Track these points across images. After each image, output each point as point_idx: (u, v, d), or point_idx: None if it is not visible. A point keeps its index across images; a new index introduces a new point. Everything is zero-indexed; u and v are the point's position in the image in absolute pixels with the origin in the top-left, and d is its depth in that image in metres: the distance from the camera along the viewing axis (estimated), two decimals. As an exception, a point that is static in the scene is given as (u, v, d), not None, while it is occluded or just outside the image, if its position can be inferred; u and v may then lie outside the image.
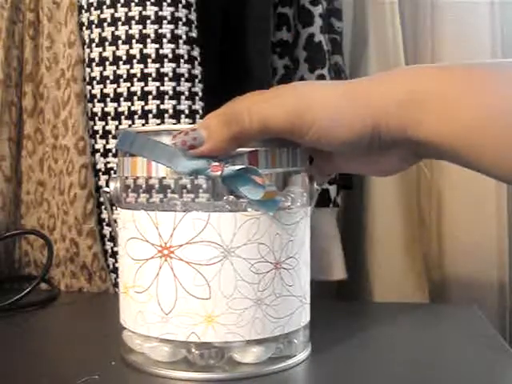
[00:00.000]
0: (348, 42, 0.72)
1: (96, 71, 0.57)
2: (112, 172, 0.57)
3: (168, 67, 0.55)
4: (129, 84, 0.56)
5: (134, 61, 0.55)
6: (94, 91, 0.57)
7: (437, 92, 0.30)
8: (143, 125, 0.55)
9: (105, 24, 0.56)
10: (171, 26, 0.55)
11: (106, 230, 0.58)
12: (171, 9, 0.55)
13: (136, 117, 0.55)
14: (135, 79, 0.55)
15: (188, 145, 0.33)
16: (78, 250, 0.58)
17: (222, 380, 0.35)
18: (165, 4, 0.54)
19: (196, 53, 0.56)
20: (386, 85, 0.32)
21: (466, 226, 0.68)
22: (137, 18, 0.55)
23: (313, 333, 0.41)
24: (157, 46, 0.55)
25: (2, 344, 0.43)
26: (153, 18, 0.54)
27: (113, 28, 0.56)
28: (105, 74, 0.57)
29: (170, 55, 0.55)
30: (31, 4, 0.61)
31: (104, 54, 0.56)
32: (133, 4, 0.55)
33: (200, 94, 0.56)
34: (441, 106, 0.30)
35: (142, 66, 0.55)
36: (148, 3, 0.54)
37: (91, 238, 0.57)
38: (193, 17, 0.56)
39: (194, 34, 0.56)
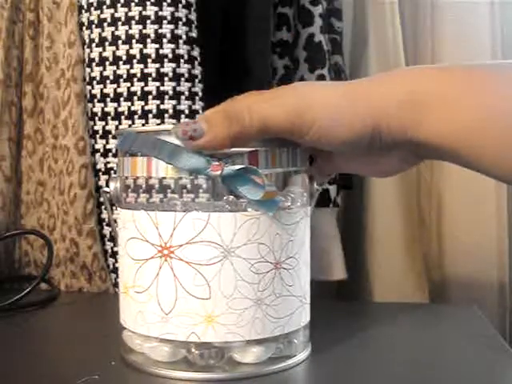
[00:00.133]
0: (348, 42, 0.72)
1: (96, 71, 0.57)
2: (112, 172, 0.57)
3: (168, 67, 0.55)
4: (129, 84, 0.56)
5: (134, 61, 0.55)
6: (94, 91, 0.57)
7: (437, 93, 0.30)
8: (143, 125, 0.55)
9: (105, 24, 0.56)
10: (171, 26, 0.55)
11: (106, 230, 0.58)
12: (171, 9, 0.55)
13: (136, 117, 0.55)
14: (135, 79, 0.55)
15: (188, 135, 0.33)
16: (78, 250, 0.58)
17: (221, 380, 0.35)
18: (165, 4, 0.54)
19: (196, 53, 0.56)
20: (386, 86, 0.32)
21: (465, 226, 0.68)
22: (137, 17, 0.55)
23: (313, 333, 0.41)
24: (157, 45, 0.55)
25: (2, 344, 0.43)
26: (153, 17, 0.54)
27: (113, 28, 0.56)
28: (105, 74, 0.57)
29: (170, 55, 0.55)
30: (31, 4, 0.61)
31: (104, 54, 0.56)
32: (133, 4, 0.55)
33: (200, 93, 0.56)
34: (441, 107, 0.30)
35: (141, 65, 0.55)
36: (148, 3, 0.54)
37: (91, 238, 0.57)
38: (193, 17, 0.56)
39: (193, 34, 0.56)
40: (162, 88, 0.55)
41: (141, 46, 0.55)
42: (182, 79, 0.55)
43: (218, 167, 0.33)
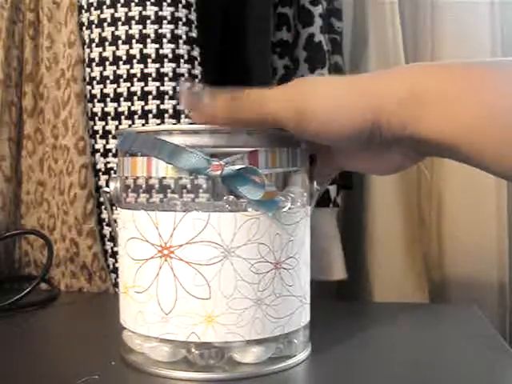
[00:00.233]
0: (348, 42, 0.72)
1: (96, 71, 0.57)
2: (112, 172, 0.57)
3: (168, 67, 0.55)
4: (129, 84, 0.56)
5: (134, 61, 0.55)
6: (94, 91, 0.57)
7: (437, 90, 0.31)
8: (143, 125, 0.55)
9: (105, 24, 0.56)
10: (171, 26, 0.55)
11: (106, 230, 0.58)
12: (171, 9, 0.55)
13: (136, 117, 0.56)
14: (135, 79, 0.55)
15: (192, 89, 0.34)
16: (78, 250, 0.58)
17: (221, 380, 0.35)
18: (165, 4, 0.54)
19: (196, 53, 0.56)
20: (387, 82, 0.32)
21: (465, 226, 0.68)
22: (137, 17, 0.55)
23: (313, 333, 0.41)
24: (157, 45, 0.55)
25: (2, 344, 0.43)
26: (153, 17, 0.54)
27: (113, 28, 0.56)
28: (105, 74, 0.57)
29: (170, 55, 0.55)
30: (31, 4, 0.61)
31: (104, 54, 0.56)
32: (133, 4, 0.55)
33: (200, 94, 0.56)
34: (441, 104, 0.30)
35: (141, 65, 0.55)
36: (148, 3, 0.54)
37: (91, 238, 0.57)
38: (193, 17, 0.56)
39: (193, 34, 0.56)
40: (162, 88, 0.55)
41: (141, 45, 0.55)
42: (182, 79, 0.55)
43: (218, 167, 0.33)
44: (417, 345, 0.43)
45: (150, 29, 0.55)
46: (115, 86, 0.56)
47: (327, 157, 0.39)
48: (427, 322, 0.50)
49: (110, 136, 0.57)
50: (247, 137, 0.35)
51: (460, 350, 0.42)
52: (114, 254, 0.57)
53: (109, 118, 0.57)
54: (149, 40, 0.55)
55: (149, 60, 0.55)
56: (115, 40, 0.56)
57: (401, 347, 0.43)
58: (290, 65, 0.64)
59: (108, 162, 0.57)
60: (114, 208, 0.47)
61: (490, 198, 0.68)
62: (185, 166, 0.34)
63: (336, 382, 0.36)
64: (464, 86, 0.30)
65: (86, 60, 0.57)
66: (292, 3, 0.64)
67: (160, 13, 0.54)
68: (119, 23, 0.55)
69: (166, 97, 0.55)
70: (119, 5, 0.55)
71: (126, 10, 0.55)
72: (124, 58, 0.55)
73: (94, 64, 0.57)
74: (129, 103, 0.56)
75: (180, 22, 0.55)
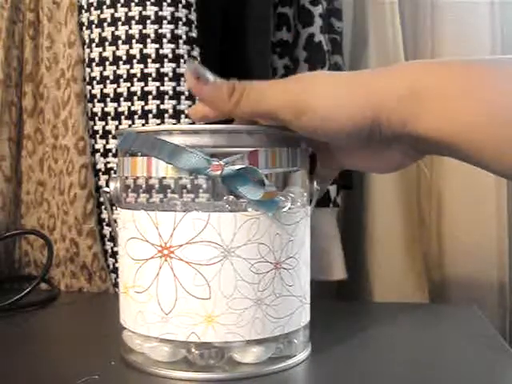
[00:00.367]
0: (348, 42, 0.72)
1: (96, 71, 0.57)
2: (112, 172, 0.57)
3: (168, 67, 0.55)
4: (129, 84, 0.56)
5: (134, 61, 0.55)
6: (94, 91, 0.57)
7: (436, 88, 0.31)
8: (143, 125, 0.55)
9: (105, 24, 0.56)
10: (171, 26, 0.55)
11: (106, 230, 0.58)
12: (171, 9, 0.55)
13: (136, 117, 0.56)
14: (135, 79, 0.55)
15: (197, 72, 0.35)
16: (78, 250, 0.58)
17: (221, 380, 0.35)
18: (165, 4, 0.54)
19: (196, 53, 0.56)
20: (386, 80, 0.32)
21: (465, 226, 0.68)
22: (137, 17, 0.55)
23: (313, 333, 0.41)
24: (157, 46, 0.55)
25: (2, 344, 0.43)
26: (153, 17, 0.54)
27: (113, 28, 0.56)
28: (105, 74, 0.57)
29: (170, 55, 0.55)
30: (31, 4, 0.61)
31: (104, 54, 0.56)
32: (133, 4, 0.55)
33: (200, 94, 0.56)
34: (440, 102, 0.30)
35: (141, 65, 0.55)
36: (148, 3, 0.54)
37: (91, 238, 0.57)
38: (193, 17, 0.56)
39: (193, 34, 0.56)
40: (162, 88, 0.55)
41: (141, 45, 0.55)
42: (182, 79, 0.55)
43: (217, 167, 0.33)
44: (417, 345, 0.43)
45: (150, 29, 0.55)
46: (115, 85, 0.56)
47: (327, 155, 0.39)
48: (427, 322, 0.50)
49: (110, 136, 0.57)
50: (247, 137, 0.35)
51: (460, 350, 0.42)
52: (114, 254, 0.57)
53: (109, 118, 0.57)
54: (149, 40, 0.55)
55: (149, 60, 0.55)
56: (115, 40, 0.56)
57: (401, 347, 0.43)
58: (290, 65, 0.64)
59: (108, 162, 0.57)
60: (114, 208, 0.47)
61: (490, 197, 0.68)
62: (185, 166, 0.34)
63: (336, 382, 0.36)
64: (463, 83, 0.30)
65: (86, 60, 0.57)
66: (292, 3, 0.64)
67: (160, 13, 0.54)
68: (119, 23, 0.55)
69: (166, 97, 0.55)
70: (119, 5, 0.55)
71: (125, 10, 0.55)
72: (124, 57, 0.55)
73: (94, 64, 0.57)
74: (129, 103, 0.56)
75: (180, 22, 0.55)
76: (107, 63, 0.56)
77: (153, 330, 0.36)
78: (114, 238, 0.57)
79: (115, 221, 0.42)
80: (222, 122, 0.38)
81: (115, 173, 0.57)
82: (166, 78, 0.55)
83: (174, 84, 0.55)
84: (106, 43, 0.56)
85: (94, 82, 0.57)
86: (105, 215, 0.58)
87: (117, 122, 0.56)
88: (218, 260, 0.34)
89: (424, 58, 0.70)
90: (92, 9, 0.57)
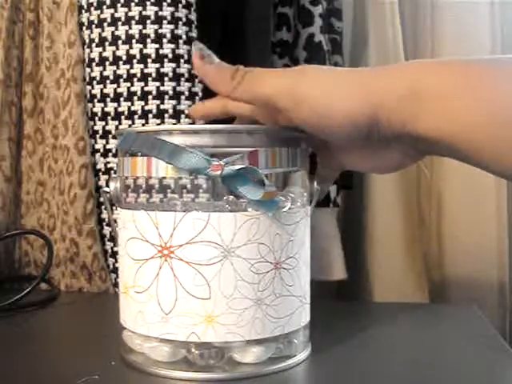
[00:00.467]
0: (348, 42, 0.72)
1: (96, 71, 0.57)
2: (112, 172, 0.57)
3: (168, 67, 0.55)
4: (129, 84, 0.56)
5: (134, 61, 0.55)
6: (94, 91, 0.57)
7: (436, 88, 0.31)
8: (143, 125, 0.55)
9: (105, 24, 0.56)
10: (171, 26, 0.55)
11: (106, 230, 0.58)
12: (171, 9, 0.55)
13: (136, 117, 0.56)
14: (135, 79, 0.55)
15: (202, 53, 0.36)
16: (78, 250, 0.58)
17: (221, 380, 0.35)
18: (165, 4, 0.54)
19: (196, 53, 0.56)
20: (386, 79, 0.32)
21: (465, 226, 0.68)
22: (137, 17, 0.55)
23: (313, 333, 0.41)
24: (157, 46, 0.55)
25: (1, 344, 0.43)
26: (153, 17, 0.54)
27: (113, 28, 0.56)
28: (105, 74, 0.57)
29: (170, 55, 0.55)
30: (31, 4, 0.61)
31: (104, 54, 0.56)
32: (133, 4, 0.55)
33: (200, 94, 0.56)
34: (440, 102, 0.30)
35: (141, 65, 0.55)
36: (148, 3, 0.54)
37: (91, 238, 0.57)
38: (193, 17, 0.56)
39: (193, 34, 0.56)
40: (162, 88, 0.55)
41: (141, 45, 0.55)
42: (182, 79, 0.55)
43: (217, 167, 0.33)
44: (417, 345, 0.43)
45: (150, 29, 0.55)
46: (115, 85, 0.56)
47: (327, 155, 0.39)
48: (427, 322, 0.50)
49: (110, 136, 0.57)
50: (247, 137, 0.35)
51: (460, 350, 0.42)
52: (114, 254, 0.57)
53: (109, 118, 0.57)
54: (149, 40, 0.55)
55: (149, 60, 0.55)
56: (115, 40, 0.56)
57: (401, 347, 0.43)
58: (290, 65, 0.64)
59: (108, 162, 0.57)
60: (114, 208, 0.47)
61: (490, 197, 0.68)
62: (185, 165, 0.34)
63: (336, 382, 0.36)
64: (463, 83, 0.30)
65: (86, 60, 0.57)
66: (292, 3, 0.64)
67: (160, 13, 0.54)
68: (119, 23, 0.55)
69: (166, 97, 0.55)
70: (119, 5, 0.55)
71: (125, 10, 0.55)
72: (124, 58, 0.55)
73: (94, 64, 0.57)
74: (129, 103, 0.56)
75: (180, 22, 0.55)
76: (107, 63, 0.56)
77: (153, 330, 0.36)
78: (114, 238, 0.57)
79: (115, 221, 0.42)
80: (222, 122, 0.38)
81: (115, 173, 0.57)
82: (166, 78, 0.55)
83: (173, 84, 0.55)
84: (106, 43, 0.56)
85: (94, 82, 0.57)
86: (105, 215, 0.58)
87: (117, 122, 0.56)
88: (218, 260, 0.34)
89: (424, 57, 0.70)
90: (92, 9, 0.57)
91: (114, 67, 0.56)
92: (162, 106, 0.55)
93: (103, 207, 0.58)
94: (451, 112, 0.30)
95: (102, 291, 0.58)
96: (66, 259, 0.59)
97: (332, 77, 0.33)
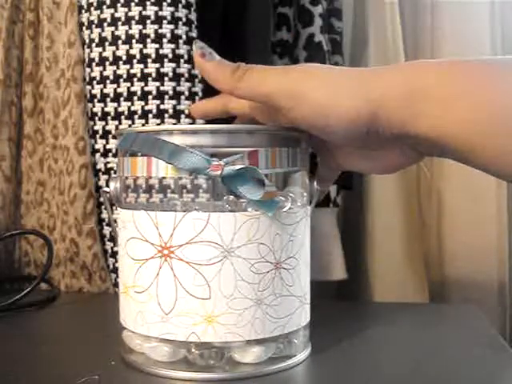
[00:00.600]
0: (348, 42, 0.72)
1: (96, 71, 0.57)
2: (112, 172, 0.57)
3: (168, 67, 0.55)
4: (129, 84, 0.56)
5: (134, 61, 0.55)
6: (94, 91, 0.57)
7: (436, 88, 0.31)
8: (143, 125, 0.55)
9: (105, 24, 0.56)
10: (171, 26, 0.55)
11: (106, 230, 0.58)
12: (171, 9, 0.55)
13: (136, 117, 0.56)
14: (135, 79, 0.55)
15: (203, 51, 0.37)
16: (78, 250, 0.58)
17: (222, 380, 0.35)
18: (165, 4, 0.54)
19: (196, 53, 0.56)
20: (387, 79, 0.32)
21: (465, 226, 0.68)
22: (137, 17, 0.55)
23: (313, 333, 0.41)
24: (157, 46, 0.55)
25: (2, 344, 0.43)
26: (153, 17, 0.54)
27: (113, 28, 0.56)
28: (105, 74, 0.57)
29: (170, 55, 0.55)
30: (31, 4, 0.61)
31: (104, 54, 0.56)
32: (133, 4, 0.55)
33: (200, 93, 0.56)
34: (440, 102, 0.30)
35: (141, 66, 0.55)
36: (148, 3, 0.54)
37: (91, 238, 0.57)
38: (193, 17, 0.56)
39: (193, 34, 0.56)
40: (162, 88, 0.55)
41: (141, 45, 0.55)
42: (182, 79, 0.55)
43: (217, 167, 0.33)
44: (417, 345, 0.43)
45: (150, 29, 0.55)
46: (115, 85, 0.56)
47: (326, 155, 0.39)
48: (427, 322, 0.50)
49: (110, 136, 0.57)
50: (247, 137, 0.35)
51: (460, 349, 0.42)
52: (114, 254, 0.57)
53: (109, 117, 0.57)
54: (149, 40, 0.55)
55: (149, 60, 0.55)
56: (115, 40, 0.56)
57: (401, 347, 0.43)
58: (290, 65, 0.64)
59: (108, 162, 0.57)
60: (114, 208, 0.47)
61: (490, 197, 0.68)
62: (185, 166, 0.34)
63: (336, 382, 0.36)
64: (463, 83, 0.30)
65: (86, 60, 0.57)
66: (292, 3, 0.64)
67: (160, 13, 0.54)
68: (119, 23, 0.55)
69: (166, 97, 0.55)
70: (119, 5, 0.55)
71: (125, 10, 0.55)
72: (124, 58, 0.55)
73: (94, 64, 0.57)
74: (129, 103, 0.56)
75: (180, 22, 0.55)
76: (107, 63, 0.56)
77: (153, 330, 0.36)
78: (113, 238, 0.57)
79: (115, 221, 0.42)
80: (222, 122, 0.38)
81: (115, 173, 0.57)
82: (166, 78, 0.55)
83: (173, 84, 0.55)
84: (106, 43, 0.56)
85: (94, 82, 0.57)
86: (105, 215, 0.58)
87: (117, 122, 0.56)
88: (218, 260, 0.34)
89: (424, 57, 0.70)
90: (92, 9, 0.57)
91: (114, 67, 0.56)
92: (161, 106, 0.55)
93: (103, 207, 0.58)
94: (451, 112, 0.30)
95: (102, 291, 0.58)
96: (66, 259, 0.59)
97: (332, 76, 0.33)
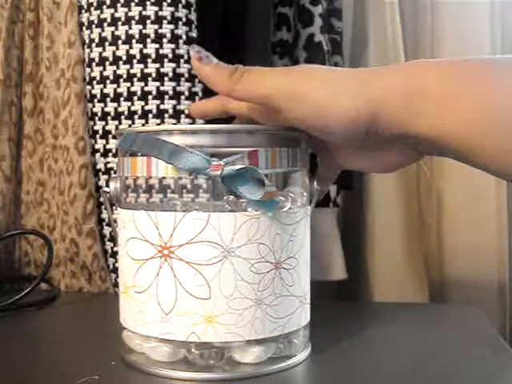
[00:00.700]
0: (348, 42, 0.72)
1: (96, 71, 0.57)
2: (112, 172, 0.57)
3: (168, 67, 0.55)
4: (129, 84, 0.56)
5: (134, 61, 0.55)
6: (94, 91, 0.57)
7: (436, 87, 0.30)
8: (143, 125, 0.55)
9: (105, 24, 0.56)
10: (171, 26, 0.55)
11: (106, 230, 0.58)
12: (171, 9, 0.55)
13: (136, 117, 0.56)
14: (135, 79, 0.55)
15: (200, 55, 0.37)
16: (78, 250, 0.58)
17: (221, 380, 0.35)
18: (165, 4, 0.54)
19: (196, 53, 0.56)
20: (387, 79, 0.32)
21: (465, 225, 0.68)
22: (137, 17, 0.55)
23: (313, 333, 0.41)
24: (157, 46, 0.55)
25: (2, 344, 0.43)
26: (153, 17, 0.54)
27: (113, 28, 0.56)
28: (105, 74, 0.57)
29: (170, 55, 0.55)
30: (31, 4, 0.61)
31: (104, 54, 0.56)
32: (133, 4, 0.55)
33: (200, 93, 0.56)
34: (440, 102, 0.30)
35: (142, 66, 0.55)
36: (148, 3, 0.54)
37: (91, 238, 0.57)
38: (193, 17, 0.56)
39: (193, 34, 0.56)
40: (162, 88, 0.55)
41: (141, 45, 0.55)
42: (182, 79, 0.55)
43: (217, 167, 0.33)
44: (417, 345, 0.43)
45: (150, 29, 0.55)
46: (115, 85, 0.56)
47: (326, 155, 0.39)
48: (427, 322, 0.50)
49: (110, 136, 0.57)
50: (247, 137, 0.35)
51: (460, 349, 0.42)
52: (114, 254, 0.57)
53: (109, 117, 0.57)
54: (149, 40, 0.55)
55: (149, 60, 0.55)
56: (115, 40, 0.56)
57: (401, 347, 0.43)
58: (290, 65, 0.64)
59: (108, 162, 0.57)
60: (114, 208, 0.47)
61: (490, 197, 0.68)
62: (185, 165, 0.34)
63: (336, 382, 0.36)
64: (463, 83, 0.30)
65: (86, 60, 0.57)
66: (292, 3, 0.64)
67: (160, 13, 0.54)
68: (119, 23, 0.55)
69: (166, 97, 0.55)
70: (119, 5, 0.55)
71: (125, 10, 0.55)
72: (124, 58, 0.55)
73: (94, 64, 0.57)
74: (129, 103, 0.56)
75: (180, 22, 0.55)
76: (107, 63, 0.56)
77: (153, 330, 0.36)
78: (114, 238, 0.57)
79: (115, 221, 0.42)
80: (222, 122, 0.38)
81: (115, 173, 0.57)
82: (166, 78, 0.55)
83: (173, 84, 0.55)
84: (106, 43, 0.56)
85: (94, 82, 0.57)
86: (105, 215, 0.58)
87: (117, 122, 0.56)
88: (218, 260, 0.34)
89: (424, 57, 0.70)
90: (92, 9, 0.57)
91: (114, 67, 0.56)
92: (161, 106, 0.55)
93: (103, 207, 0.58)
94: (451, 112, 0.30)
95: (102, 291, 0.58)
96: (66, 259, 0.59)
97: (332, 77, 0.33)
